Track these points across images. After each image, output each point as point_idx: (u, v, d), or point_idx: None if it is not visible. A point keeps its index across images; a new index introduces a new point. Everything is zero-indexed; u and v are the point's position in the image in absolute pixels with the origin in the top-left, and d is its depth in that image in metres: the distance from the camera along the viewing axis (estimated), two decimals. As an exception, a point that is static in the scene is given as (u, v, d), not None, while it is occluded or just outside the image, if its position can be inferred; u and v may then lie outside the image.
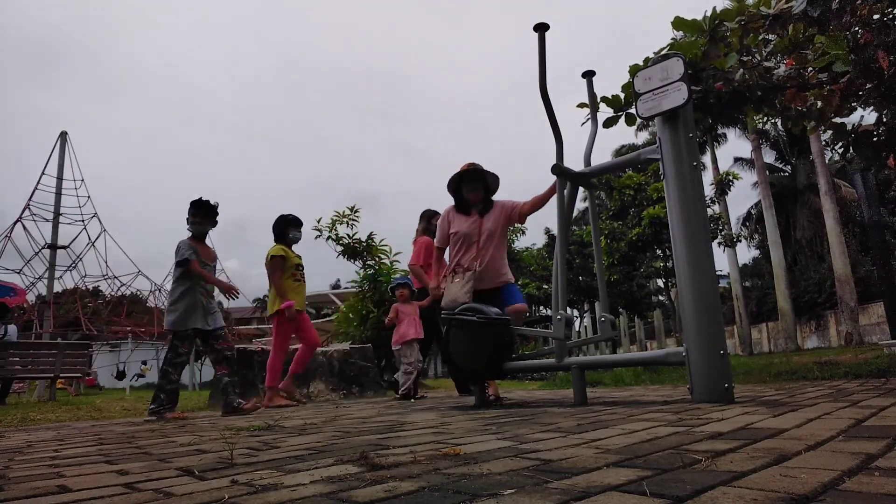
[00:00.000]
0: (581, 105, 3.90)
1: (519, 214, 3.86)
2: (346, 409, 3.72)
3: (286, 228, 5.02)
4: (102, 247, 28.08)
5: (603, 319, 3.19)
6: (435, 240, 4.07)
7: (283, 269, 4.90)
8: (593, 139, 3.53)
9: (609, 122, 4.24)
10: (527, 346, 12.70)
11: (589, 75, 3.59)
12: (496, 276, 3.79)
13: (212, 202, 4.39)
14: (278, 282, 4.84)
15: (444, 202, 3.70)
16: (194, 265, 4.12)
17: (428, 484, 1.05)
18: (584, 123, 3.72)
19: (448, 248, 3.95)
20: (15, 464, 1.76)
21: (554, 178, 3.33)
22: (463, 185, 3.86)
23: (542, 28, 3.07)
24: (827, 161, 19.28)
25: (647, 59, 3.69)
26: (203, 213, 4.31)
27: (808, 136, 16.14)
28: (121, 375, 27.09)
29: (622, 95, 4.15)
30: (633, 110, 3.46)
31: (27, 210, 20.67)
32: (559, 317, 3.06)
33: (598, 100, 3.91)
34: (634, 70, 3.68)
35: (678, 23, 3.90)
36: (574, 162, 3.44)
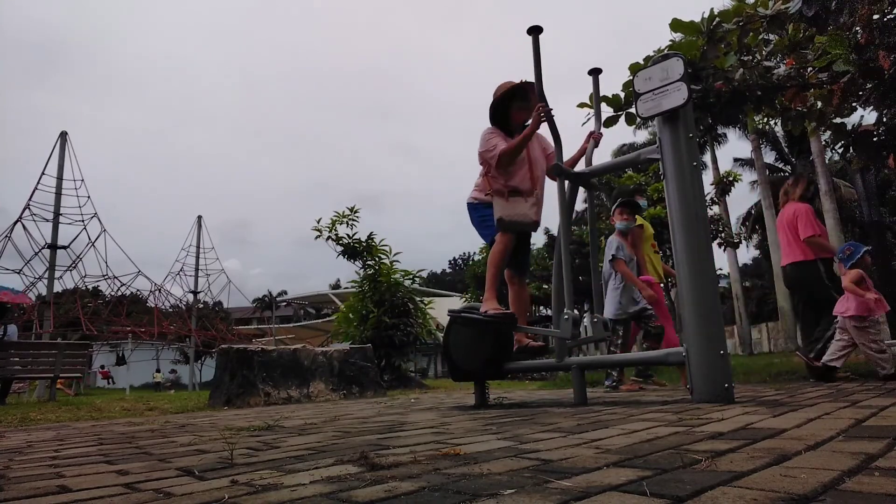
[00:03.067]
0: (581, 105, 3.89)
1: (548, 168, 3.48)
2: (345, 409, 3.72)
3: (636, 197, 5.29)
4: (102, 247, 28.15)
5: (595, 320, 3.16)
6: (485, 148, 3.35)
7: (643, 239, 5.17)
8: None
9: (609, 122, 4.24)
10: None
11: (595, 73, 3.55)
12: (539, 213, 3.47)
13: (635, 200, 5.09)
14: (641, 254, 5.09)
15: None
16: (618, 263, 4.64)
17: (428, 484, 1.05)
18: (584, 123, 3.72)
19: (488, 170, 3.39)
20: (15, 464, 1.76)
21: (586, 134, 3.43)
22: (514, 102, 3.40)
23: (535, 31, 3.05)
24: (827, 161, 19.28)
25: (647, 58, 3.69)
26: (630, 211, 4.85)
27: (809, 137, 16.14)
28: (120, 361, 27.09)
29: (622, 95, 4.16)
30: (633, 110, 3.46)
31: (27, 210, 20.69)
32: (566, 316, 3.03)
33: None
34: (635, 68, 3.68)
35: (676, 24, 3.90)
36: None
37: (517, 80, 3.40)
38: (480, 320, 3.18)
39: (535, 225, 3.35)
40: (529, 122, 3.20)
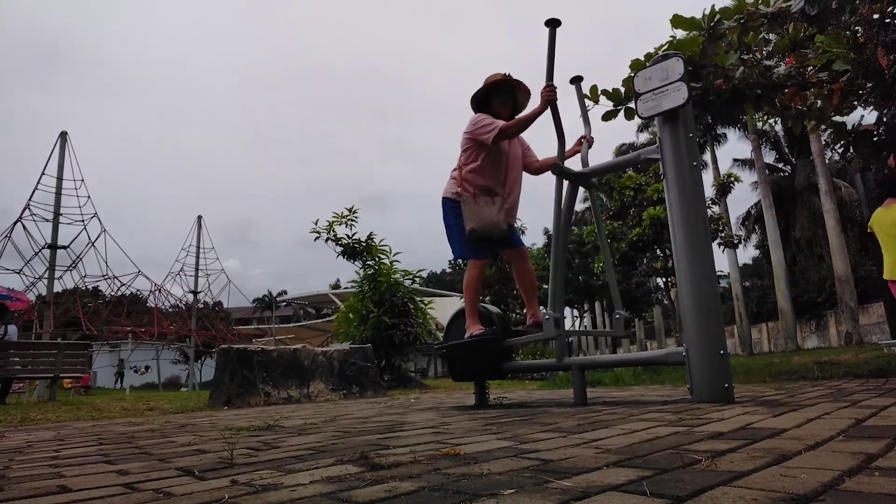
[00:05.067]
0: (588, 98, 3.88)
1: (526, 164, 3.51)
2: (345, 409, 3.71)
3: None
4: (102, 247, 28.14)
5: (618, 317, 3.16)
6: (481, 125, 3.24)
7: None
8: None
9: (608, 116, 4.23)
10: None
11: (577, 80, 3.55)
12: (514, 214, 3.46)
13: None
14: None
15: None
16: None
17: (428, 484, 1.05)
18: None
19: (467, 158, 3.34)
20: (15, 464, 1.76)
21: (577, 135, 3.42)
22: (495, 98, 3.37)
23: (553, 24, 3.02)
24: (827, 161, 19.29)
25: (648, 55, 3.69)
26: None
27: (809, 136, 16.15)
28: (119, 375, 27.17)
29: (622, 90, 4.15)
30: (632, 105, 3.45)
31: (27, 210, 20.69)
32: (547, 317, 3.06)
33: (598, 99, 3.90)
34: (636, 65, 3.68)
35: (677, 20, 3.90)
36: (574, 162, 3.44)
37: (503, 74, 3.38)
38: (468, 343, 3.26)
39: (505, 230, 3.34)
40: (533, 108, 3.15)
